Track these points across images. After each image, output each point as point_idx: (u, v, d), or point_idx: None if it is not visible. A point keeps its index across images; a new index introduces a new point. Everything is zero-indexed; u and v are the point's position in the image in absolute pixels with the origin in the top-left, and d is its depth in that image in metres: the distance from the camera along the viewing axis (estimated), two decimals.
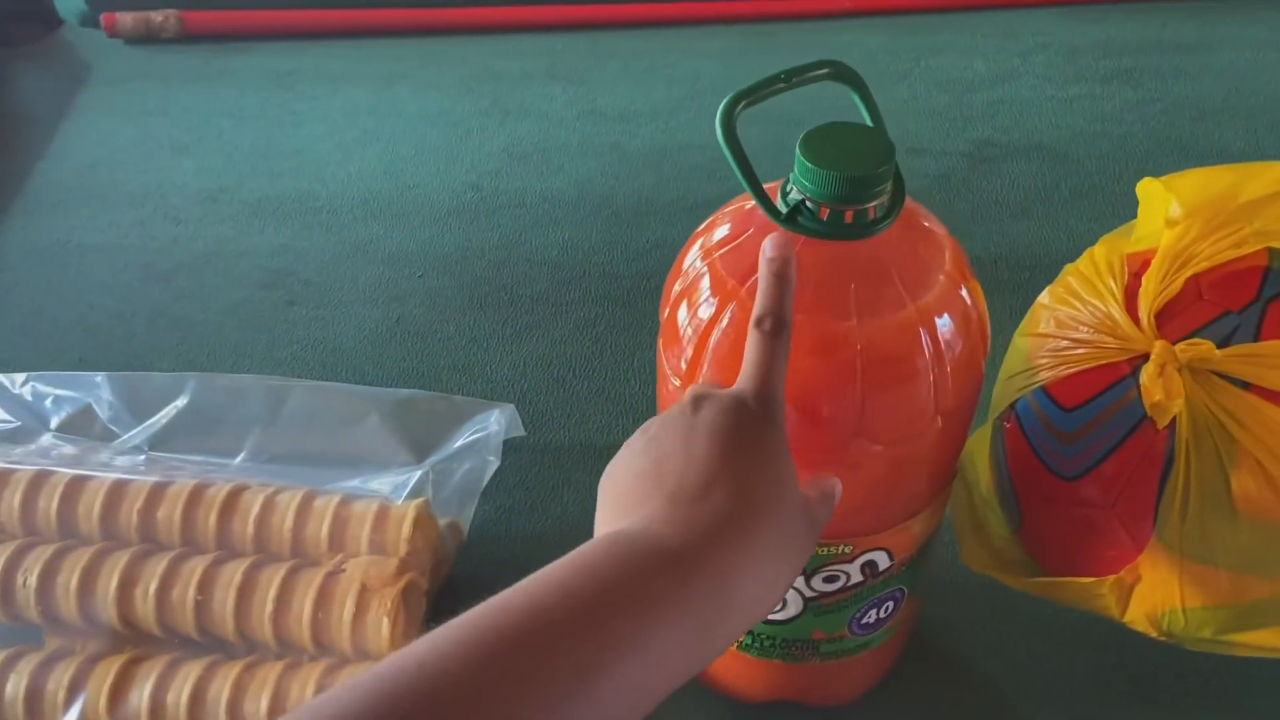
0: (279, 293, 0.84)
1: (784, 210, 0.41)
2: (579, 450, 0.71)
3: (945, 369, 0.42)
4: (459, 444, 0.64)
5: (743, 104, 0.41)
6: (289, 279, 0.85)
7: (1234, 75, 1.05)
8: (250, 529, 0.56)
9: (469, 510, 0.63)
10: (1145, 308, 0.46)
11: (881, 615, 0.51)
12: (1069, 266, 0.53)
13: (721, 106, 0.41)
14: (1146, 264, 0.48)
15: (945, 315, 0.42)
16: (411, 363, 0.78)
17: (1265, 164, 0.57)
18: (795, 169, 0.41)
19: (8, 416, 0.68)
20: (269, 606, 0.53)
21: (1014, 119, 1.01)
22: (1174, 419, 0.43)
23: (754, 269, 0.42)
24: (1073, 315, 0.49)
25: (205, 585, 0.53)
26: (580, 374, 0.77)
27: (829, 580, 0.47)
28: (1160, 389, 0.42)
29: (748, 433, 0.36)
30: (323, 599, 0.53)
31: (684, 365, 0.43)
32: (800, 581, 0.47)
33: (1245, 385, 0.43)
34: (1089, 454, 0.46)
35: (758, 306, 0.39)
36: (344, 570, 0.54)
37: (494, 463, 0.64)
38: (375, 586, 0.53)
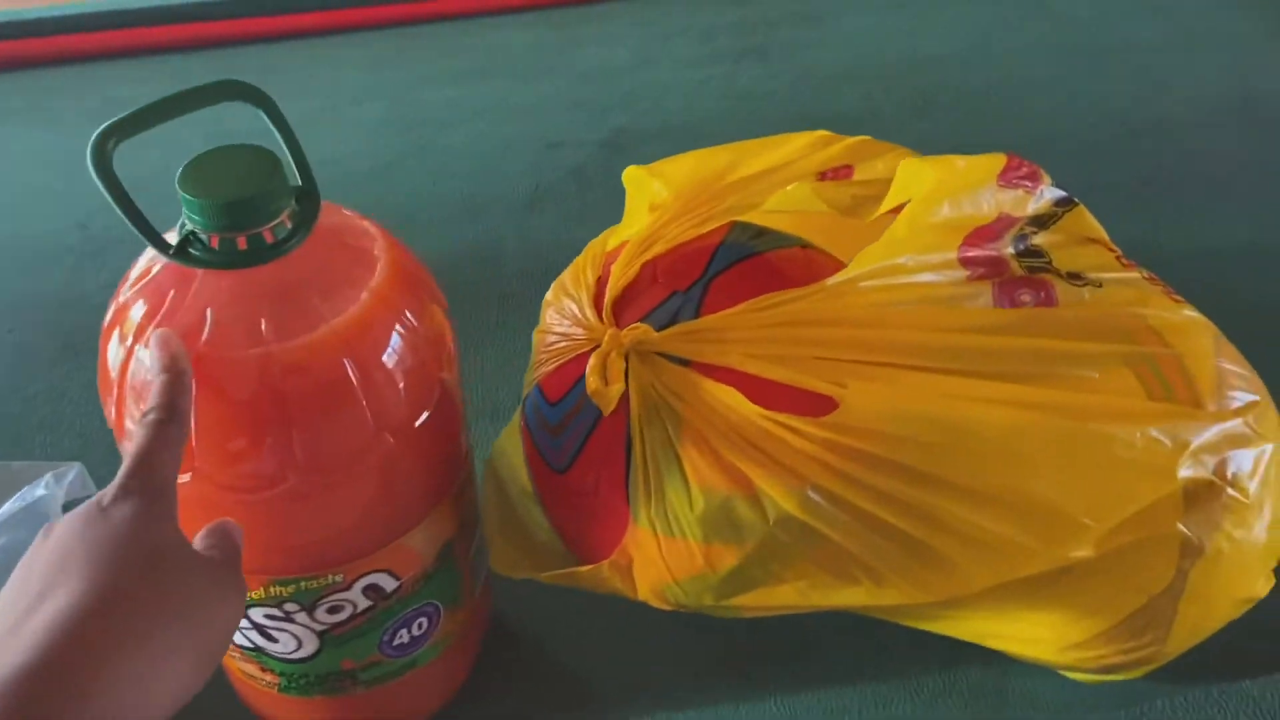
0: None
1: (174, 244, 0.39)
2: None
3: (381, 386, 0.41)
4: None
5: (114, 140, 0.39)
6: None
7: (856, 42, 1.11)
8: None
9: None
10: (607, 297, 0.47)
11: (416, 633, 0.50)
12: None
13: (92, 141, 0.39)
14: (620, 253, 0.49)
15: (376, 329, 0.41)
16: None
17: (768, 140, 0.59)
18: (181, 200, 0.39)
19: None
20: None
21: (651, 104, 1.03)
22: (629, 403, 0.44)
23: (159, 306, 0.39)
24: (558, 310, 0.49)
25: None
26: None
27: (333, 611, 0.46)
28: (598, 377, 0.43)
29: (102, 529, 0.33)
30: None
31: (113, 412, 0.41)
32: (304, 616, 0.46)
33: (686, 362, 0.44)
34: (571, 444, 0.47)
35: (148, 404, 0.36)
36: None
37: None
38: None
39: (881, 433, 0.41)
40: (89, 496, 0.63)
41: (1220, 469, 0.45)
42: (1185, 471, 0.43)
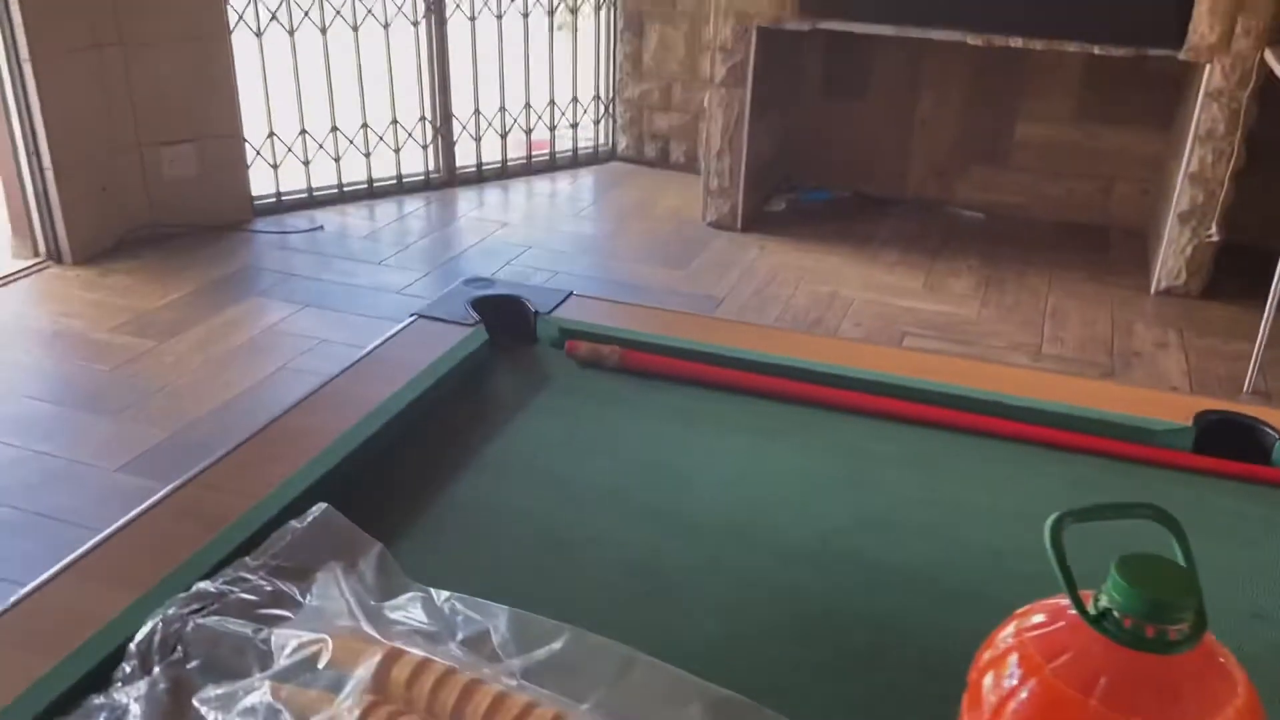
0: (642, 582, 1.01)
1: (1094, 613, 0.50)
2: None
3: None
4: None
5: (1067, 522, 0.52)
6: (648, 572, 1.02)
7: None
8: None
9: None
10: None
11: None
12: None
13: (1050, 522, 0.53)
14: None
15: None
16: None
17: None
18: (1109, 582, 0.50)
19: (429, 621, 0.87)
20: None
21: None
22: None
23: (1059, 652, 0.51)
24: None
25: None
26: None
27: None
28: None
29: None
30: None
31: None
32: None
33: None
34: None
35: None
36: None
37: None
38: None
39: None
40: None
41: None
42: None
